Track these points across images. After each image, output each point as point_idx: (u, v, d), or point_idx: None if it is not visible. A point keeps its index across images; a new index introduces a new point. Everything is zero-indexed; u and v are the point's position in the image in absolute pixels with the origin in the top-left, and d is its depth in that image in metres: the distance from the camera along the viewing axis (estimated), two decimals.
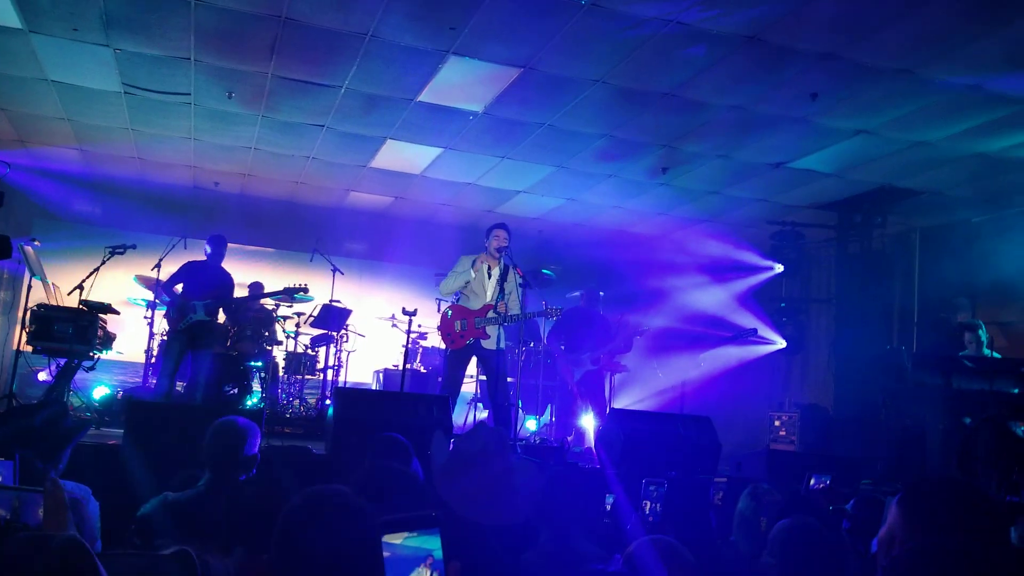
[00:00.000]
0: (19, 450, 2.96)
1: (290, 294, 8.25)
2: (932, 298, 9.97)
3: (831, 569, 3.03)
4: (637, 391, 10.97)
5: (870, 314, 10.06)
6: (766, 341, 10.81)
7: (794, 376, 11.38)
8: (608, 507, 4.50)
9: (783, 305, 11.12)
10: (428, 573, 1.00)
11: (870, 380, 9.40)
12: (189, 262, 8.28)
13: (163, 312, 8.33)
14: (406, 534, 1.03)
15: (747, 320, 10.81)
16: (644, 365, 10.44)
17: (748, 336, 9.30)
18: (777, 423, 10.32)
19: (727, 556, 3.86)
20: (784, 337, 10.84)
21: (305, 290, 8.25)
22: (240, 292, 8.90)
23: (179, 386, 8.26)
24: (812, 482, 4.66)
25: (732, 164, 8.83)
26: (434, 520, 1.04)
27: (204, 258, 8.23)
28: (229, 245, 8.31)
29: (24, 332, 7.46)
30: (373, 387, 10.84)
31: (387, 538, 1.04)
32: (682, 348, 9.94)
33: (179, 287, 8.03)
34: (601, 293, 9.84)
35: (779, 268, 11.00)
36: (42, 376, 8.39)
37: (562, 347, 9.30)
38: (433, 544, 1.02)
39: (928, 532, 1.66)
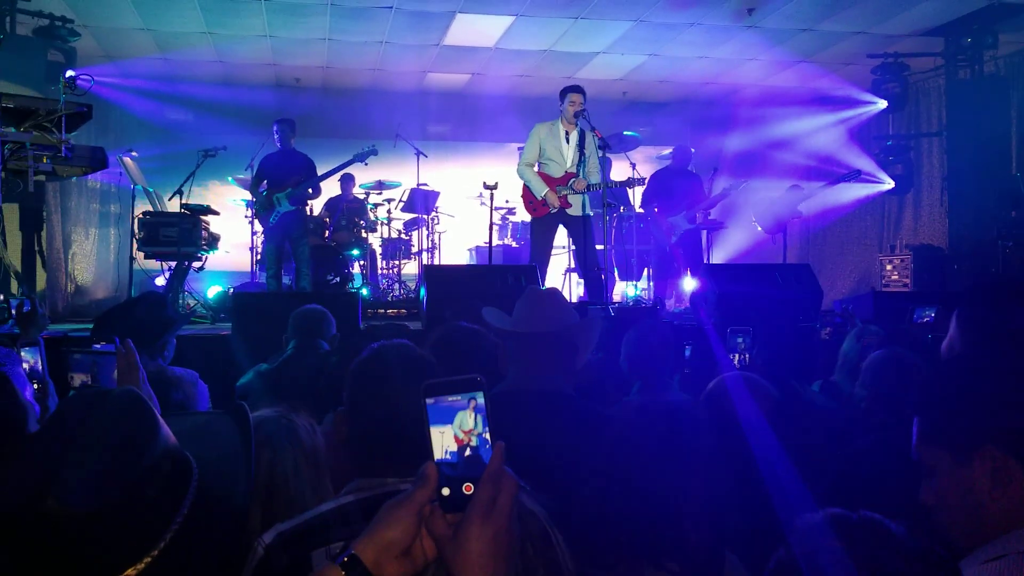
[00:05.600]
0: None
1: (360, 158, 8.31)
2: None
3: None
4: (737, 246, 10.71)
5: (985, 144, 9.37)
6: (873, 181, 10.28)
7: (904, 218, 10.82)
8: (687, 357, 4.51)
9: (889, 143, 10.48)
10: (472, 416, 0.97)
11: (987, 213, 8.88)
12: (264, 157, 8.42)
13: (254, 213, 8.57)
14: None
15: (850, 161, 10.28)
16: (742, 219, 10.13)
17: (852, 178, 8.81)
18: (889, 267, 9.92)
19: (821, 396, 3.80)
20: (892, 177, 10.26)
21: (375, 152, 8.30)
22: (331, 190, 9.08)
23: (286, 280, 8.58)
24: (915, 317, 4.49)
25: None
26: (479, 384, 1.00)
27: (277, 147, 8.34)
28: (316, 139, 8.36)
29: (134, 240, 7.85)
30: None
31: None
32: (782, 197, 9.57)
33: (264, 184, 8.21)
34: (692, 150, 9.52)
35: (882, 104, 10.29)
36: (159, 281, 8.80)
37: (655, 209, 9.12)
38: (476, 394, 0.99)
39: (979, 340, 1.48)
